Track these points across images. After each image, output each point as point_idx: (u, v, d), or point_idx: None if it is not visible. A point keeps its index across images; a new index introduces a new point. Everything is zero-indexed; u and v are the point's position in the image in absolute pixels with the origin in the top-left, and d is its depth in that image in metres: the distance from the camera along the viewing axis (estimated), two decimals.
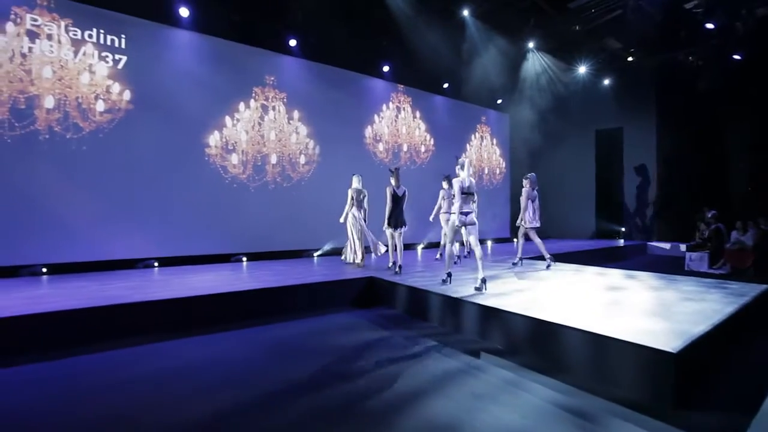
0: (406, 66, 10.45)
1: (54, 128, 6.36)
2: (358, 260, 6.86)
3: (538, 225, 6.74)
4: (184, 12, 7.48)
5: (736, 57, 10.90)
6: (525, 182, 6.81)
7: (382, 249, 6.74)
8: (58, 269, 6.36)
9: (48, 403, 2.83)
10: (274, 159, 8.60)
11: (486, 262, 7.39)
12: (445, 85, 11.80)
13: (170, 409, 2.72)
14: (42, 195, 6.22)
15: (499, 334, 3.89)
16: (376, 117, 10.43)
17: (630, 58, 12.45)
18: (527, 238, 6.88)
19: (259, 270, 6.76)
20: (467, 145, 12.77)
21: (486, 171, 13.34)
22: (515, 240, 7.06)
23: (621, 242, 12.47)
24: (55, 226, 6.30)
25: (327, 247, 9.04)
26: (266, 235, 8.38)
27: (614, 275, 5.98)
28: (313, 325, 4.68)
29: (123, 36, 6.91)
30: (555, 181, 13.60)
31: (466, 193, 4.94)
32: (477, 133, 13.11)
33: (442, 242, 7.62)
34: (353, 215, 6.74)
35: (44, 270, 6.30)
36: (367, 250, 6.96)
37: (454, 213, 4.95)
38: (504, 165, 13.99)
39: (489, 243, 12.27)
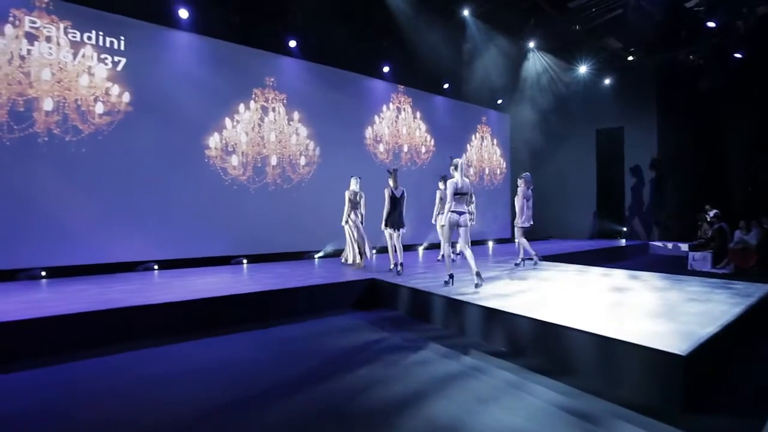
0: (406, 66, 10.40)
1: (53, 131, 6.32)
2: (358, 261, 6.85)
3: (528, 225, 6.71)
4: (183, 13, 7.46)
5: (737, 56, 10.88)
6: (520, 182, 6.77)
7: (369, 252, 6.80)
8: (57, 272, 6.31)
9: (48, 409, 2.79)
10: (274, 160, 8.57)
11: (488, 264, 7.37)
12: (446, 86, 11.76)
13: (172, 412, 2.69)
14: (41, 198, 6.18)
15: (503, 336, 3.86)
16: (376, 118, 10.39)
17: (630, 58, 12.44)
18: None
19: (260, 272, 6.73)
20: (468, 145, 12.72)
21: (486, 171, 13.28)
22: (516, 241, 7.03)
23: (623, 242, 12.43)
24: (54, 228, 6.26)
25: (328, 249, 9.00)
26: (267, 237, 8.34)
27: (617, 276, 5.94)
28: (315, 327, 4.65)
29: (122, 38, 6.88)
30: (556, 181, 13.58)
31: (460, 194, 4.93)
32: (477, 134, 13.06)
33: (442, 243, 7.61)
34: (350, 217, 6.74)
35: (43, 273, 6.26)
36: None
37: (447, 213, 4.94)
38: (505, 165, 13.93)
39: (490, 244, 12.23)
